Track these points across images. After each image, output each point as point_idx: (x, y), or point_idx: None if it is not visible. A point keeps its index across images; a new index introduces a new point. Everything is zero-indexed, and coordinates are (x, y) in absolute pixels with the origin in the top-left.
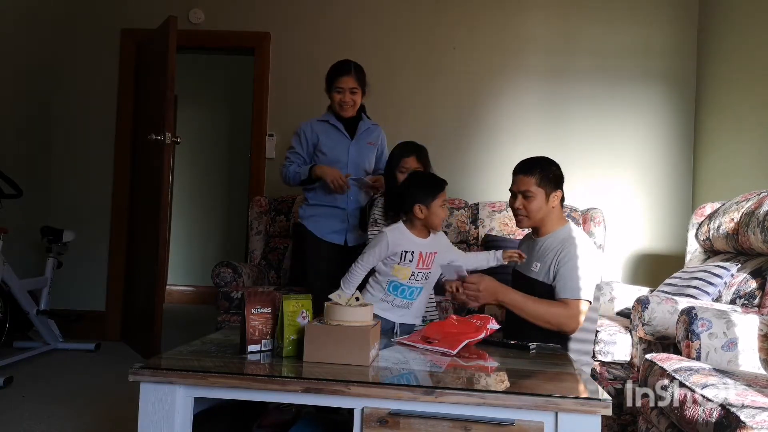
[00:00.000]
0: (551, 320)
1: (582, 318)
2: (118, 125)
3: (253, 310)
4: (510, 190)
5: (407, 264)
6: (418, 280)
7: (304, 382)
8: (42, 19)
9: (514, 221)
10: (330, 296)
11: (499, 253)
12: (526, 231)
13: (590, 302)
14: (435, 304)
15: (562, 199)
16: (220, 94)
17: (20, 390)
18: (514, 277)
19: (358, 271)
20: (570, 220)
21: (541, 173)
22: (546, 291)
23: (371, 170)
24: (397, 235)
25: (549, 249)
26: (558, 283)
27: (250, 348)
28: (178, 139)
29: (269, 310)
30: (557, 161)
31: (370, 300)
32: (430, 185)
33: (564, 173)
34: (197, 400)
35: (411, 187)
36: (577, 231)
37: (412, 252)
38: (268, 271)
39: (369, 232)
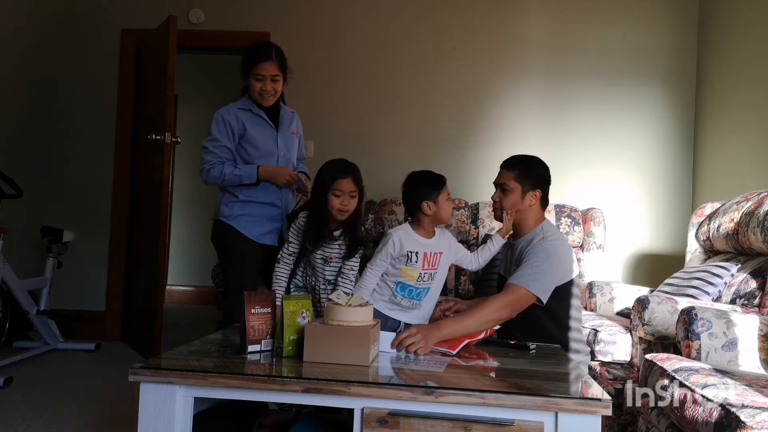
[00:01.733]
0: (491, 320)
1: (516, 305)
2: (118, 125)
3: (253, 310)
4: (493, 182)
5: (414, 265)
6: (425, 281)
7: (304, 382)
8: (42, 19)
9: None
10: (330, 296)
11: (494, 236)
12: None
13: (537, 297)
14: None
15: (545, 200)
16: (220, 94)
17: (20, 390)
18: (499, 282)
19: (371, 277)
20: (546, 218)
21: (522, 170)
22: None
23: (295, 162)
24: (402, 235)
25: (523, 251)
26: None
27: (250, 348)
28: (178, 139)
29: (269, 310)
30: (557, 161)
31: (377, 299)
32: (433, 180)
33: (564, 173)
34: (197, 400)
35: (414, 187)
36: (548, 229)
37: (417, 252)
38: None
39: (281, 254)
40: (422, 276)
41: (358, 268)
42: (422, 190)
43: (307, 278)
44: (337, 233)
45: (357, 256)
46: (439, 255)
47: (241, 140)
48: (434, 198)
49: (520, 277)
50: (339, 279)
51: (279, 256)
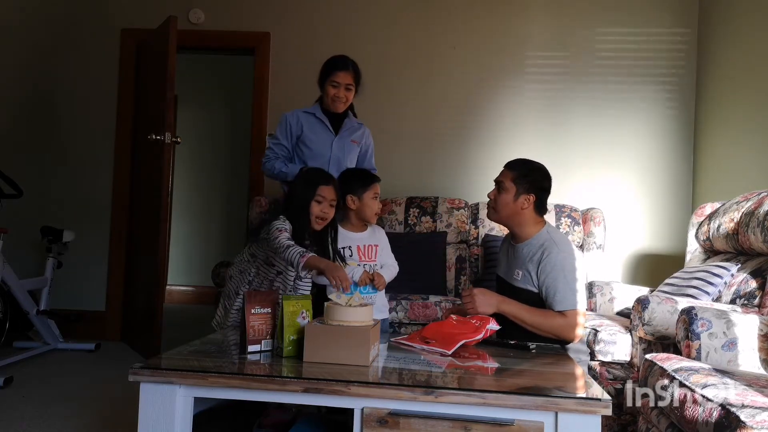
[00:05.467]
0: (552, 331)
1: (580, 328)
2: (118, 125)
3: (253, 310)
4: (494, 179)
5: (350, 260)
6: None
7: (304, 382)
8: (42, 19)
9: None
10: (330, 296)
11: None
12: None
13: (585, 308)
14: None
15: (541, 207)
16: (220, 94)
17: (20, 390)
18: (498, 283)
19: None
20: (547, 221)
21: (521, 172)
22: (531, 298)
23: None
24: None
25: (528, 256)
26: (549, 295)
27: (250, 348)
28: (178, 139)
29: (269, 310)
30: (557, 161)
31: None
32: (363, 178)
33: (564, 173)
34: (197, 400)
35: (344, 180)
36: (554, 234)
37: (350, 247)
38: None
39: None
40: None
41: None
42: (350, 185)
43: (268, 282)
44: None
45: None
46: (374, 247)
47: (298, 140)
48: (359, 194)
49: (571, 302)
50: (298, 283)
51: (280, 227)
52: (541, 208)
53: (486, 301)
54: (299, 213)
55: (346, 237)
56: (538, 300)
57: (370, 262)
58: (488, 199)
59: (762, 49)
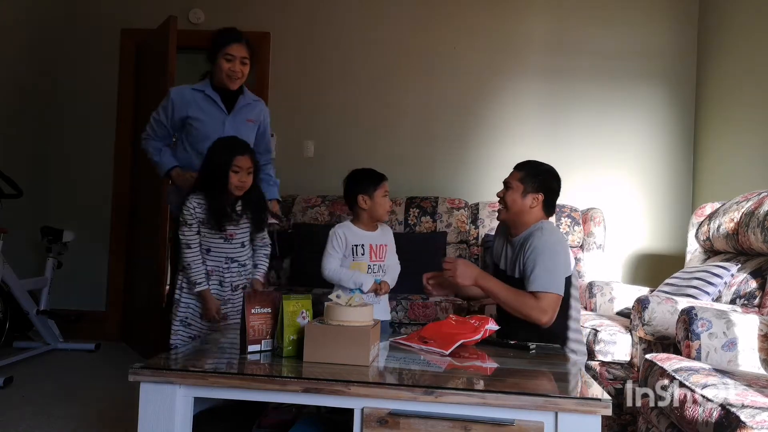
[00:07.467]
0: (522, 310)
1: (553, 312)
2: (118, 125)
3: (253, 310)
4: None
5: (361, 258)
6: (376, 273)
7: (304, 382)
8: (42, 19)
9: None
10: (329, 296)
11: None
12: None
13: (560, 295)
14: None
15: (549, 208)
16: None
17: (20, 390)
18: (497, 275)
19: (333, 263)
20: (548, 220)
21: (529, 171)
22: (519, 287)
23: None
24: (345, 230)
25: (519, 245)
26: (525, 276)
27: (250, 348)
28: None
29: (269, 310)
30: (557, 161)
31: None
32: (371, 176)
33: (564, 173)
34: (197, 400)
35: (353, 181)
36: (544, 224)
37: (362, 245)
38: (267, 272)
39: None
40: (372, 268)
41: (268, 240)
42: (359, 185)
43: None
44: (238, 209)
45: (265, 229)
46: (384, 247)
47: (185, 121)
48: (370, 193)
49: (545, 284)
50: (255, 256)
51: (186, 242)
52: (549, 208)
53: (466, 272)
54: (218, 184)
55: (358, 235)
56: (523, 287)
57: (380, 261)
58: (498, 198)
59: (762, 49)
